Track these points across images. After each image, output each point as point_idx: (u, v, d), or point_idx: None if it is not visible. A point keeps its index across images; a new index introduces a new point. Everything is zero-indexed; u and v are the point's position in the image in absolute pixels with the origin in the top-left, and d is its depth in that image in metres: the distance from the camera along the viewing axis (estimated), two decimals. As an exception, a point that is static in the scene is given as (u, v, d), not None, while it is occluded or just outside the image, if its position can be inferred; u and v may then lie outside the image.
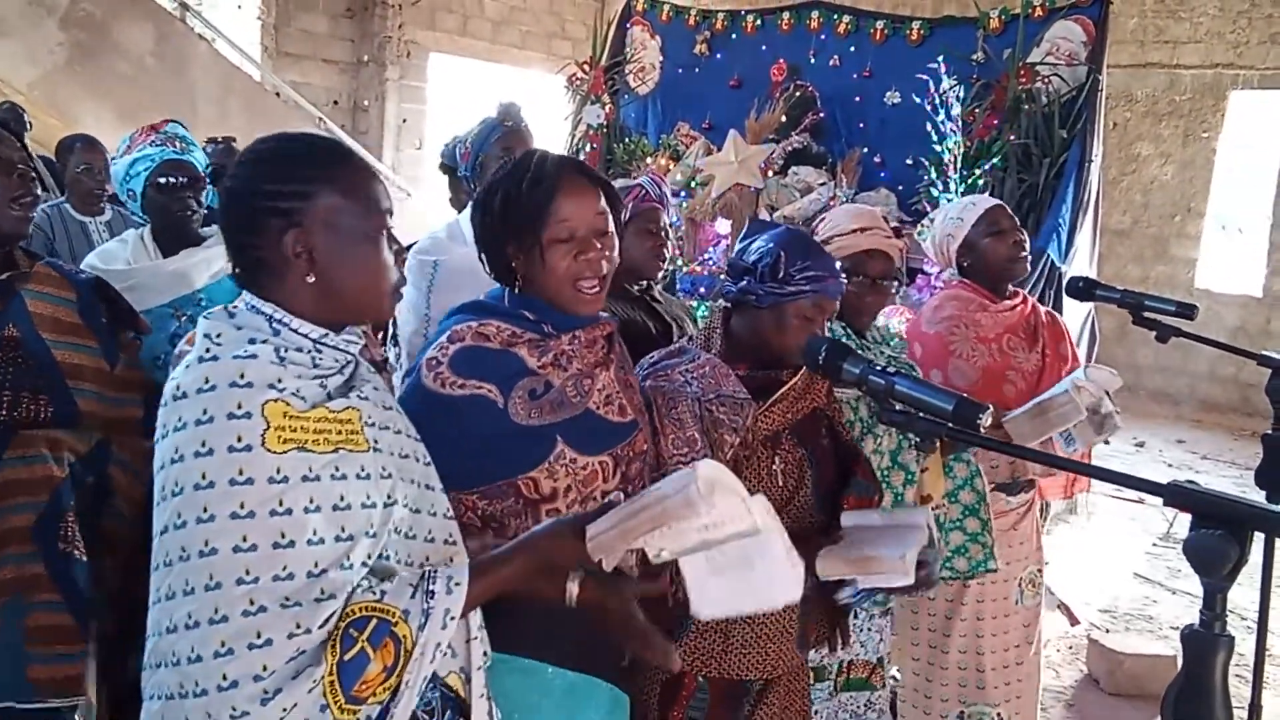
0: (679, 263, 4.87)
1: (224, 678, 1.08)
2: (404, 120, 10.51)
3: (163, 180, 2.49)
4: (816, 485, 1.89)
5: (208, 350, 1.18)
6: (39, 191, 2.00)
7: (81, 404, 1.98)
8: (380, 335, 2.19)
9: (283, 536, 1.11)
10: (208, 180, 2.63)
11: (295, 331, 1.23)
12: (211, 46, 8.32)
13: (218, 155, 4.97)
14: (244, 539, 1.10)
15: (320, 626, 1.12)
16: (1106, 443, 2.40)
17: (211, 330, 1.21)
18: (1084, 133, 4.27)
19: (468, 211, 2.63)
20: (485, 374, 1.49)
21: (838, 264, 1.90)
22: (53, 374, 1.95)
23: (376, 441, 1.23)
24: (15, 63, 6.83)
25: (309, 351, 1.22)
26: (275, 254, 1.22)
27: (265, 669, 1.08)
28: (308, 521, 1.13)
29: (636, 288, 2.54)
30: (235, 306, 1.25)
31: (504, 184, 1.56)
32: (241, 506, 1.10)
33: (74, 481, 1.91)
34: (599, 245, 1.53)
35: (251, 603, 1.09)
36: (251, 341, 1.19)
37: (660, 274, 2.64)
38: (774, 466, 1.84)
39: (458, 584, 1.20)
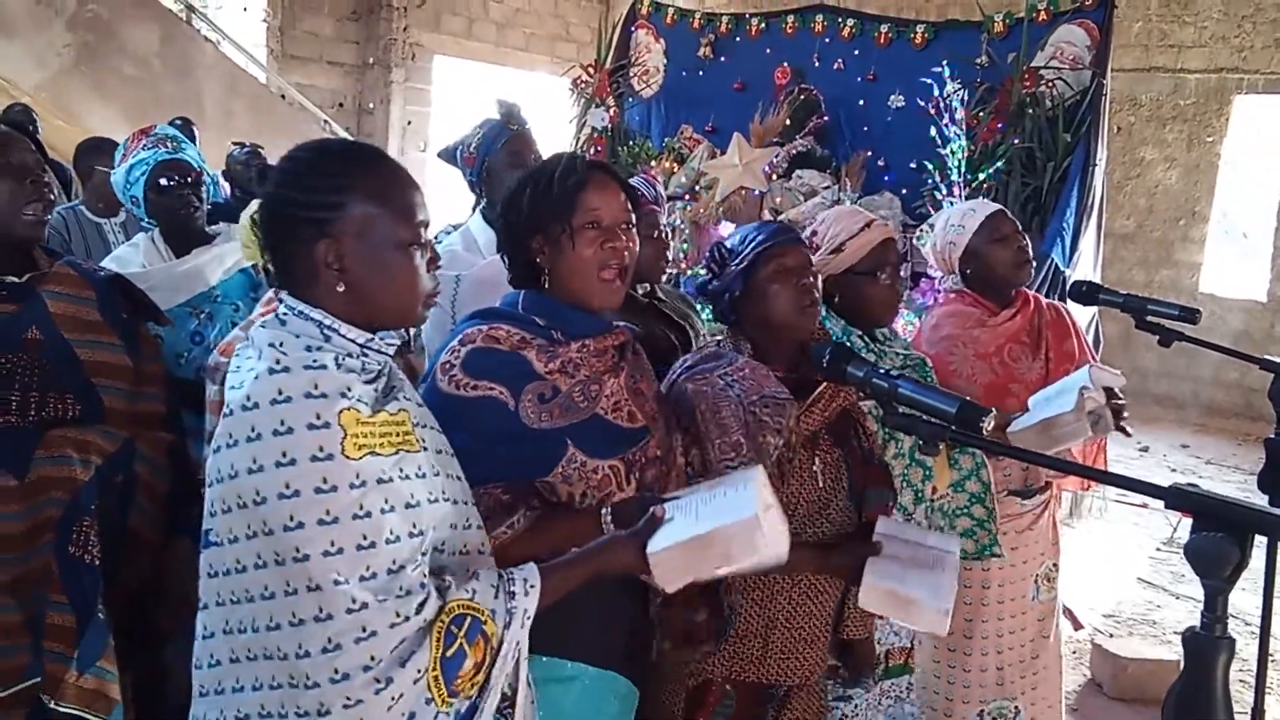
0: (682, 266, 4.87)
1: (335, 671, 1.14)
2: (409, 123, 10.53)
3: (161, 182, 2.51)
4: (850, 487, 1.91)
5: (278, 361, 1.20)
6: (52, 196, 2.00)
7: (107, 401, 1.98)
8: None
9: (364, 539, 1.16)
10: (208, 176, 2.64)
11: (344, 337, 1.25)
12: (217, 49, 8.35)
13: (242, 160, 5.00)
14: (331, 544, 1.15)
15: (416, 614, 1.18)
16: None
17: (274, 340, 1.23)
18: (1088, 137, 4.27)
19: (477, 218, 2.63)
20: (495, 376, 1.51)
21: (855, 260, 1.93)
22: (77, 373, 1.95)
23: (424, 440, 1.29)
24: (22, 64, 6.86)
25: (358, 356, 1.25)
26: (308, 261, 1.25)
27: (374, 659, 1.15)
28: (384, 522, 1.18)
29: (641, 290, 2.53)
30: (283, 313, 1.27)
31: (534, 179, 1.62)
32: (327, 513, 1.15)
33: (101, 481, 1.90)
34: (623, 237, 1.60)
35: (354, 600, 1.15)
36: (308, 349, 1.22)
37: (663, 277, 2.64)
38: (814, 467, 1.86)
39: (533, 586, 1.28)
